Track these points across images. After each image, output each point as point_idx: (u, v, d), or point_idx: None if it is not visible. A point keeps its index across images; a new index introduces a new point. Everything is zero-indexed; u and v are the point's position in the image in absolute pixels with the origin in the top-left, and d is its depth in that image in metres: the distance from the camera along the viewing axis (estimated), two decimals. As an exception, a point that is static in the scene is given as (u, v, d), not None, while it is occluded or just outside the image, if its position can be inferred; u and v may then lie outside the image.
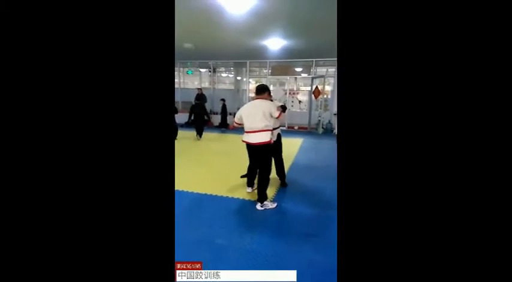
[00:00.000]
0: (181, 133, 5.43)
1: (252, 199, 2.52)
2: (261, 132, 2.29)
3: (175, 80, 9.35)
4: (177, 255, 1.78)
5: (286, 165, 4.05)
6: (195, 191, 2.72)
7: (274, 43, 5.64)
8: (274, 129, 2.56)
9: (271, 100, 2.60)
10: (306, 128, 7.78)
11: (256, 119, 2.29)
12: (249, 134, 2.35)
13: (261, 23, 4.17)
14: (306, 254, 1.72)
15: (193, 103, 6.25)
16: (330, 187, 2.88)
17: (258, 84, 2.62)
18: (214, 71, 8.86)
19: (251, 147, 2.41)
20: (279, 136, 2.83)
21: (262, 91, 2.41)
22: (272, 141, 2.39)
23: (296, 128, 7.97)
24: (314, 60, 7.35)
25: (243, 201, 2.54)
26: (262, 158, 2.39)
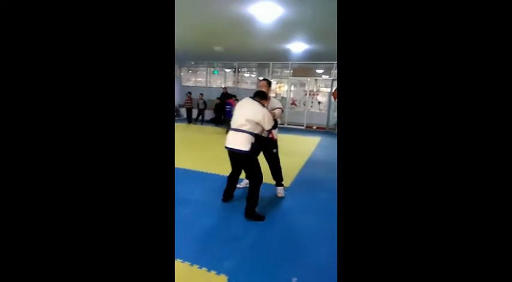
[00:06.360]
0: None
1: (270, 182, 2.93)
2: (243, 134, 2.02)
3: (203, 79, 10.01)
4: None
5: (302, 160, 4.44)
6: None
7: (297, 46, 6.00)
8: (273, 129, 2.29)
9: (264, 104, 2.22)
10: (324, 128, 8.06)
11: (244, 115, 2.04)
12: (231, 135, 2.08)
13: (286, 29, 4.56)
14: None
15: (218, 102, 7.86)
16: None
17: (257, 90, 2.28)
18: (238, 71, 9.37)
19: (232, 154, 2.12)
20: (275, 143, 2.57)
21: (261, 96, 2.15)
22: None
23: (314, 127, 8.25)
24: (335, 62, 7.59)
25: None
26: (248, 166, 2.11)
